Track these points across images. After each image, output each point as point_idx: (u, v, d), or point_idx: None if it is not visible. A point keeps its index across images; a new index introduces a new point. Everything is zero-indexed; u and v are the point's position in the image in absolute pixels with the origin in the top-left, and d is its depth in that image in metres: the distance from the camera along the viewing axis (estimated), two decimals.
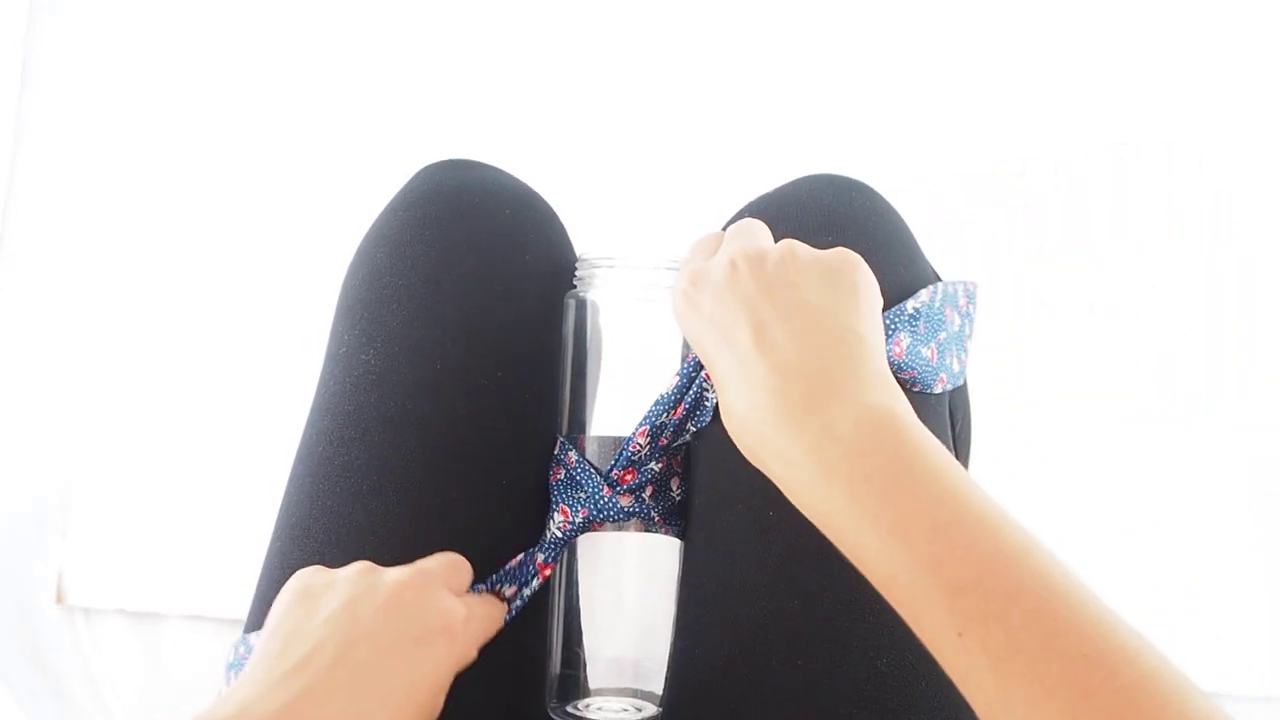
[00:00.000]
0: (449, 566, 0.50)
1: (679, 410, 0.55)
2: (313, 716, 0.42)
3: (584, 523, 0.54)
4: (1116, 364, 1.02)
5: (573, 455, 0.55)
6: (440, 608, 0.47)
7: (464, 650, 0.49)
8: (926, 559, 0.38)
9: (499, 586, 0.54)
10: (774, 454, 0.45)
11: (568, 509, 0.54)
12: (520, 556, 0.55)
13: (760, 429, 0.45)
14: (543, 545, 0.55)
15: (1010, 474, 0.99)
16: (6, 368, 1.12)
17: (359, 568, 0.48)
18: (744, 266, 0.49)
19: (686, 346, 0.60)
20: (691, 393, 0.54)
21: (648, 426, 0.54)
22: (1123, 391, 1.02)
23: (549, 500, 0.57)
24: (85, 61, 1.18)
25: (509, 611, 0.54)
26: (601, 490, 0.55)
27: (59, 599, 1.05)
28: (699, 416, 0.55)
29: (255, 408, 1.06)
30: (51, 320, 1.12)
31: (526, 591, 0.54)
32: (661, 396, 0.54)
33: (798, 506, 0.45)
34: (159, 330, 1.10)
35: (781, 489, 0.45)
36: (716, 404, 0.54)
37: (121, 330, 1.11)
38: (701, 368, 0.54)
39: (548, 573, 0.55)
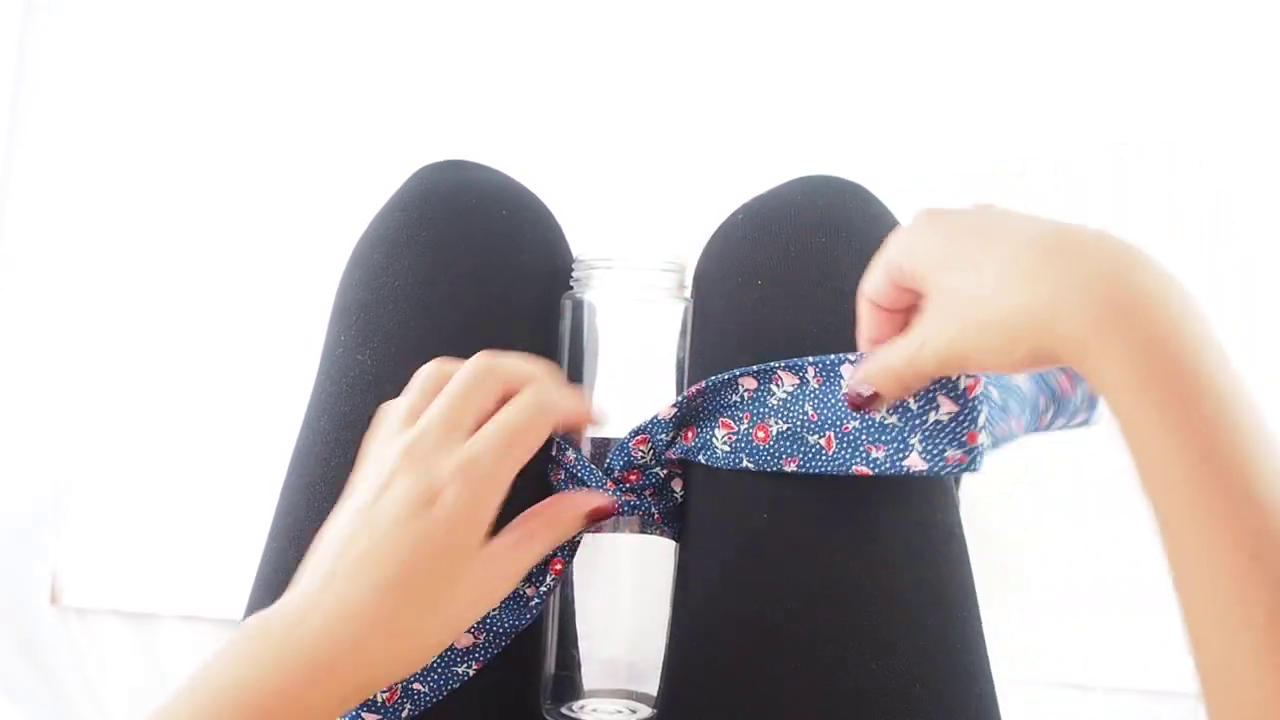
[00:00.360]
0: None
1: (689, 437, 0.54)
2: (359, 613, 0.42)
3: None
4: None
5: (570, 454, 0.55)
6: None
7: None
8: (1239, 472, 0.35)
9: (518, 585, 0.54)
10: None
11: None
12: None
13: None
14: None
15: (1014, 475, 1.00)
16: (3, 369, 1.12)
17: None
18: None
19: (680, 369, 0.60)
20: (703, 430, 0.54)
21: (647, 437, 0.54)
22: None
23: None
24: (82, 60, 1.18)
25: (529, 611, 0.54)
26: (605, 486, 0.54)
27: (54, 599, 1.05)
28: (709, 453, 0.55)
29: (251, 408, 1.06)
30: (48, 320, 1.12)
31: (543, 589, 0.54)
32: (657, 419, 0.54)
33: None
34: (155, 330, 1.10)
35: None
36: (736, 441, 0.53)
37: (118, 330, 1.11)
38: (695, 402, 0.54)
39: (559, 567, 0.54)
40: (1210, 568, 0.35)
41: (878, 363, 0.46)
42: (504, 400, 0.47)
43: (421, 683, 0.52)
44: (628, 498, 0.55)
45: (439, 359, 0.49)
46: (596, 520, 0.51)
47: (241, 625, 0.42)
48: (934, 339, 0.43)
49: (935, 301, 0.43)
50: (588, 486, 0.55)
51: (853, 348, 0.53)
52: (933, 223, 0.45)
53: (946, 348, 0.42)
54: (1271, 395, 1.00)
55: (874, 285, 0.47)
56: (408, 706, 0.51)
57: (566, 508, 0.49)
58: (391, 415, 0.47)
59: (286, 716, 0.40)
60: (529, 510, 0.48)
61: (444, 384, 0.47)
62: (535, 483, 0.57)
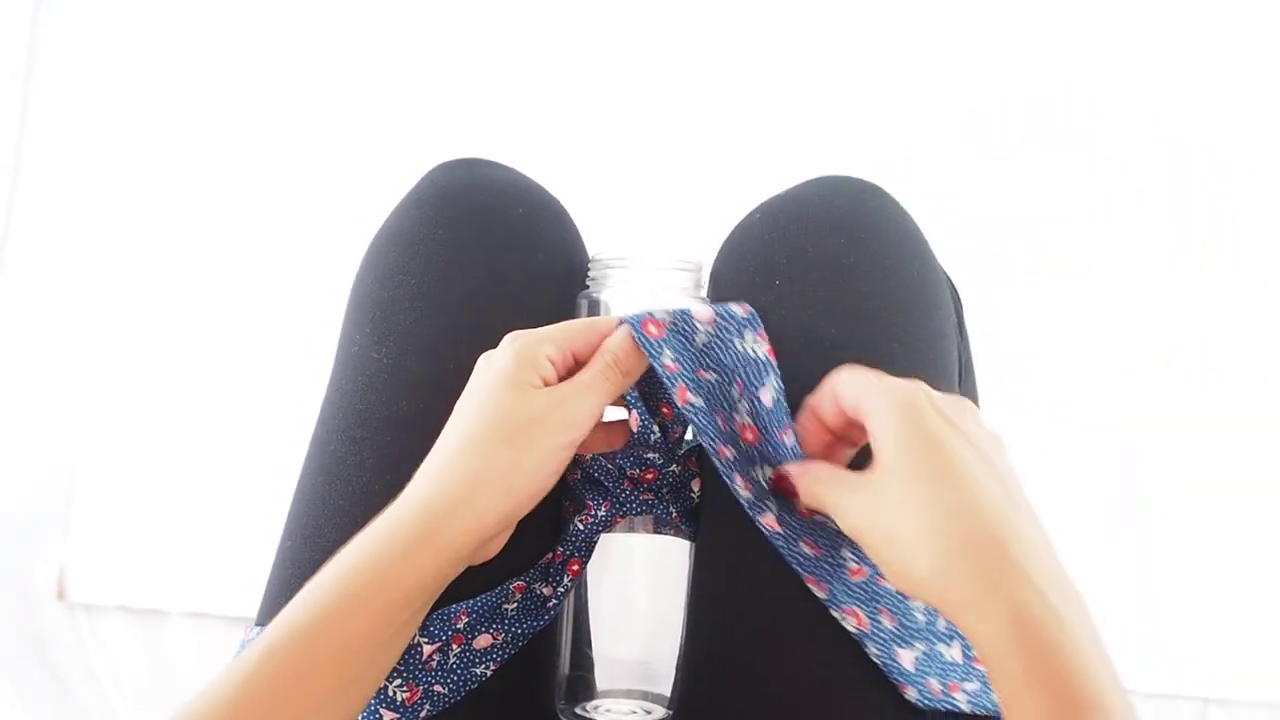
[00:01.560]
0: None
1: (674, 435, 0.54)
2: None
3: (606, 516, 0.54)
4: (1125, 366, 1.02)
5: (586, 454, 0.55)
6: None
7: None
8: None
9: (536, 586, 0.54)
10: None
11: (592, 504, 0.54)
12: (549, 555, 0.55)
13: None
14: (564, 541, 0.55)
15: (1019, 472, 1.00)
16: (10, 364, 1.12)
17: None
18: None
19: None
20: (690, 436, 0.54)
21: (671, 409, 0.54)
22: (1133, 395, 1.02)
23: (560, 500, 0.57)
24: (96, 54, 1.18)
25: (547, 612, 0.54)
26: (622, 486, 0.54)
27: (61, 595, 1.05)
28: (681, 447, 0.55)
29: (259, 405, 1.06)
30: (56, 317, 1.12)
31: (560, 590, 0.54)
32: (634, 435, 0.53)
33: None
34: (164, 327, 1.10)
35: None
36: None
37: (126, 327, 1.11)
38: (656, 416, 0.54)
39: (576, 568, 0.54)
40: None
41: (806, 486, 0.49)
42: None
43: (441, 684, 0.52)
44: (645, 497, 0.55)
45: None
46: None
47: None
48: (853, 514, 0.46)
49: (874, 480, 0.45)
50: (604, 485, 0.55)
51: (866, 348, 0.54)
52: (909, 407, 0.45)
53: (857, 530, 0.46)
54: (1274, 396, 1.00)
55: (828, 390, 0.49)
56: (426, 707, 0.51)
57: (614, 341, 0.51)
58: None
59: (415, 575, 0.45)
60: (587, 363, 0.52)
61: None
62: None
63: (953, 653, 0.50)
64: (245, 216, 1.12)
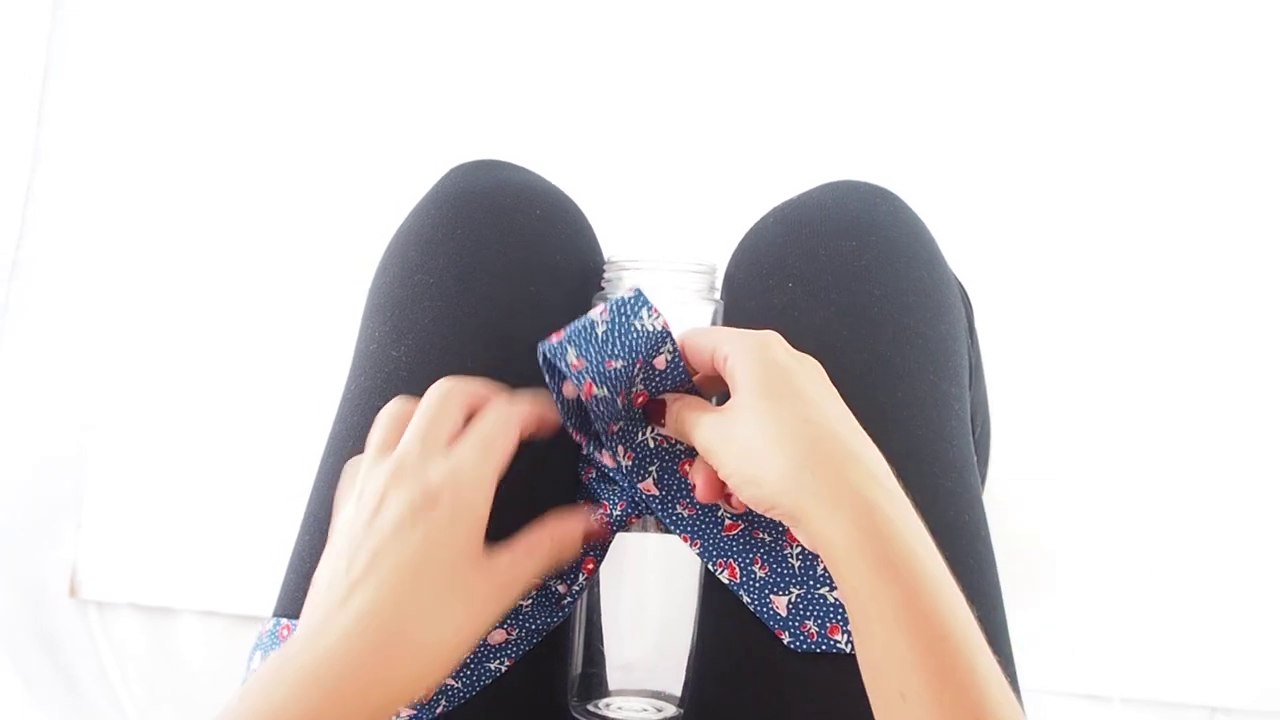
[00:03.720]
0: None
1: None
2: (379, 627, 0.43)
3: (622, 516, 0.54)
4: (1137, 371, 1.03)
5: (605, 453, 0.55)
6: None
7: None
8: (911, 635, 0.41)
9: (550, 583, 0.55)
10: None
11: (607, 503, 0.55)
12: None
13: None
14: None
15: (1028, 478, 1.00)
16: (22, 360, 1.12)
17: (406, 460, 0.47)
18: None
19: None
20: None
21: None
22: (1146, 399, 1.02)
23: (574, 500, 0.57)
24: (117, 54, 1.18)
25: (561, 609, 0.55)
26: (637, 486, 0.55)
27: (72, 592, 1.05)
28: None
29: (274, 403, 1.07)
30: (69, 313, 1.13)
31: (575, 588, 0.54)
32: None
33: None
34: (178, 325, 1.10)
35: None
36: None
37: (140, 324, 1.11)
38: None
39: (591, 567, 0.55)
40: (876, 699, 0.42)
41: (673, 411, 0.52)
42: (470, 418, 0.50)
43: (456, 679, 0.52)
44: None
45: (397, 398, 0.52)
46: (590, 541, 0.53)
47: (261, 663, 0.44)
48: (710, 431, 0.48)
49: (730, 404, 0.48)
50: (619, 485, 0.55)
51: (878, 350, 0.55)
52: (761, 344, 0.48)
53: (711, 445, 0.47)
54: (1272, 396, 1.00)
55: (693, 344, 0.51)
56: (442, 703, 0.52)
57: (567, 529, 0.52)
58: (366, 454, 0.49)
59: None
60: (530, 526, 0.50)
61: (407, 419, 0.49)
62: (567, 480, 0.58)
63: (833, 595, 0.52)
64: (263, 214, 1.13)
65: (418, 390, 0.55)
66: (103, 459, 1.08)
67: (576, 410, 0.54)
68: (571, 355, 0.50)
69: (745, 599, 0.52)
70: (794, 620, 0.52)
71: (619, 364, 0.50)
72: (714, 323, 0.61)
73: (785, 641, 0.51)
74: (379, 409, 0.56)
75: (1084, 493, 1.00)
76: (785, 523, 0.45)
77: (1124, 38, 1.10)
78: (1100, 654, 0.97)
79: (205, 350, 1.09)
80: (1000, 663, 0.53)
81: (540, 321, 0.58)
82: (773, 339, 0.49)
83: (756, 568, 0.53)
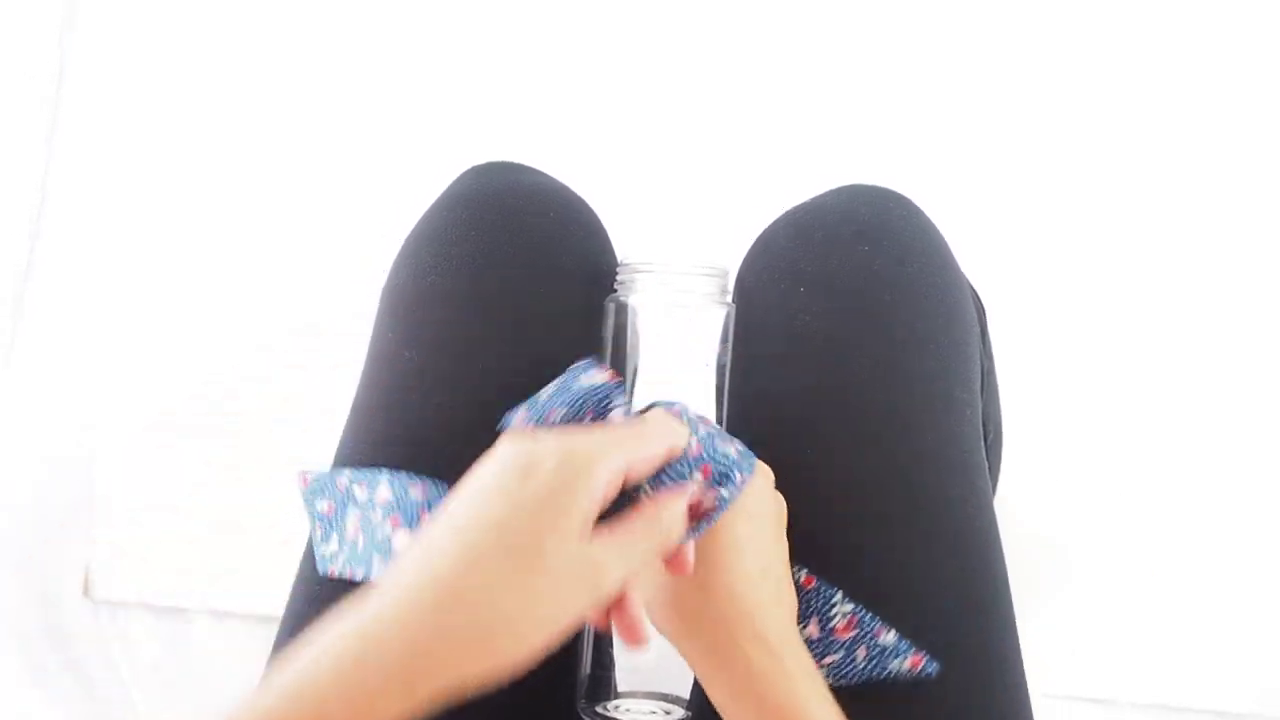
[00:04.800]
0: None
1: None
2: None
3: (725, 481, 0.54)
4: (1150, 376, 1.02)
5: None
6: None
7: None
8: None
9: None
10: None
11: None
12: None
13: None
14: None
15: (1038, 483, 1.00)
16: (36, 361, 1.13)
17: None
18: None
19: (721, 374, 0.60)
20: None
21: None
22: (1157, 402, 1.01)
23: None
24: (136, 50, 1.19)
25: None
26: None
27: (85, 592, 1.06)
28: None
29: (287, 403, 1.07)
30: (82, 314, 1.13)
31: None
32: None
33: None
34: (191, 325, 1.11)
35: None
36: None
37: (153, 325, 1.11)
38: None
39: None
40: None
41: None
42: None
43: None
44: None
45: None
46: (696, 518, 0.47)
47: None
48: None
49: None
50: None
51: (889, 355, 0.55)
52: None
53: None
54: (1272, 396, 1.00)
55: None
56: None
57: (668, 504, 0.45)
58: None
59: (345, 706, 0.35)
60: (629, 513, 0.45)
61: None
62: None
63: (809, 630, 0.52)
64: (276, 214, 1.13)
65: (429, 390, 0.55)
66: (116, 459, 1.08)
67: None
68: (520, 414, 0.49)
69: None
70: None
71: (561, 412, 0.48)
72: (725, 326, 0.61)
73: None
74: (391, 408, 0.56)
75: (1094, 498, 0.99)
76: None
77: (1137, 43, 1.10)
78: (1109, 658, 0.96)
79: (219, 350, 1.10)
80: (1010, 668, 0.53)
81: (553, 323, 0.59)
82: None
83: None
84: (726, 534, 0.47)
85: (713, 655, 0.46)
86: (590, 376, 0.49)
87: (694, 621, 0.46)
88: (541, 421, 0.48)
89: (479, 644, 0.37)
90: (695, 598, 0.46)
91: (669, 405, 0.49)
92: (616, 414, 0.49)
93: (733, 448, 0.49)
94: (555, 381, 0.50)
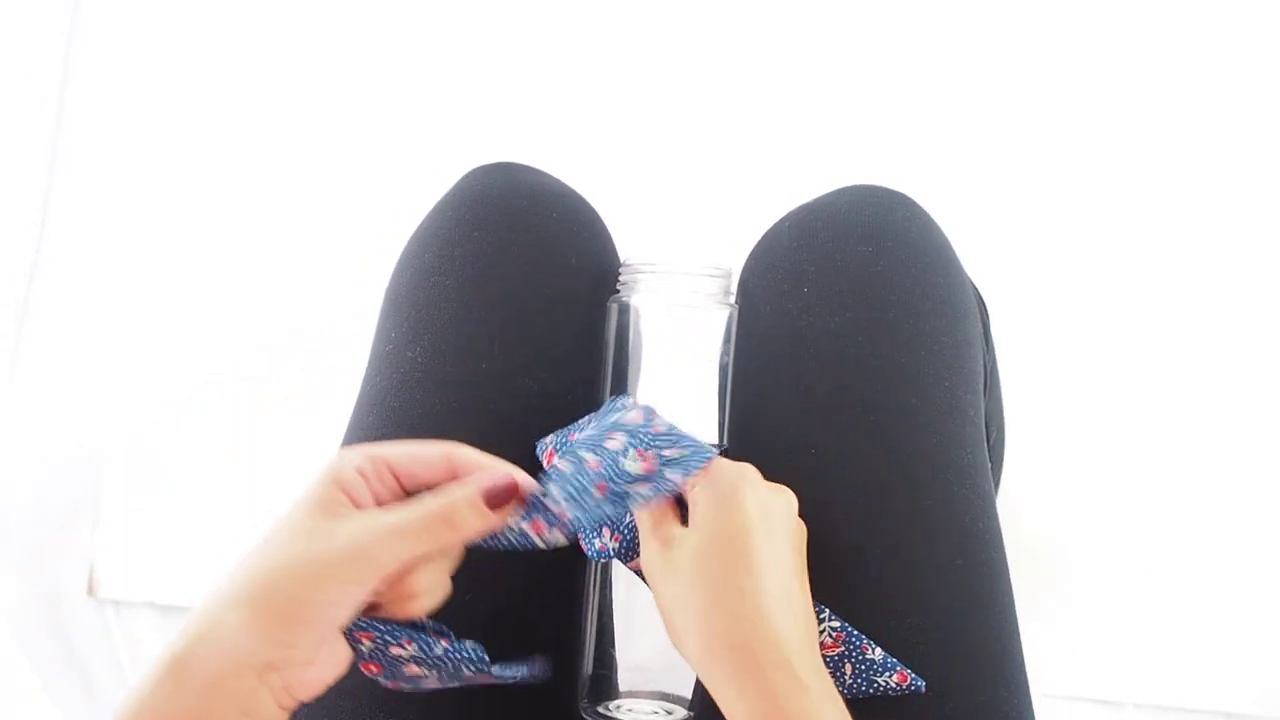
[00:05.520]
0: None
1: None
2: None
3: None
4: (1148, 376, 1.02)
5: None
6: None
7: None
8: None
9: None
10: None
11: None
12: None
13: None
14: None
15: (1041, 484, 1.00)
16: (42, 362, 1.13)
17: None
18: None
19: (724, 374, 0.60)
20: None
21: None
22: (1160, 403, 1.01)
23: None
24: (140, 55, 1.19)
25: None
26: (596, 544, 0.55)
27: (90, 591, 1.06)
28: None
29: (292, 403, 1.07)
30: (88, 315, 1.13)
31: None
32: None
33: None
34: (196, 326, 1.11)
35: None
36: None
37: (155, 326, 1.12)
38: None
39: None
40: None
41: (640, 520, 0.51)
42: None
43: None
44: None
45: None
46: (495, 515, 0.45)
47: None
48: (656, 577, 0.49)
49: (677, 554, 0.48)
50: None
51: (892, 356, 0.55)
52: (733, 496, 0.48)
53: (648, 569, 0.49)
54: (1272, 396, 1.00)
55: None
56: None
57: (451, 492, 0.44)
58: None
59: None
60: (409, 500, 0.45)
61: None
62: None
63: None
64: (281, 216, 1.13)
65: (432, 390, 0.55)
66: (120, 458, 1.08)
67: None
68: (549, 439, 0.52)
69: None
70: None
71: (589, 432, 0.49)
72: (728, 326, 0.61)
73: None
74: (394, 408, 0.56)
75: (1097, 498, 0.99)
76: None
77: (1137, 44, 1.10)
78: (1109, 658, 0.96)
79: (223, 350, 1.10)
80: (1011, 667, 0.53)
81: (556, 324, 0.59)
82: (747, 483, 0.48)
83: None
84: (751, 557, 0.46)
85: (736, 680, 0.45)
86: (623, 405, 0.50)
87: (719, 646, 0.46)
88: (564, 443, 0.50)
89: (283, 624, 0.42)
90: (720, 621, 0.46)
91: (631, 402, 0.50)
92: (658, 425, 0.49)
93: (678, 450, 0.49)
94: (592, 416, 0.51)
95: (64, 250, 1.15)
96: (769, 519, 0.48)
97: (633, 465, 0.47)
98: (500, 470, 0.45)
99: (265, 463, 1.06)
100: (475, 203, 0.60)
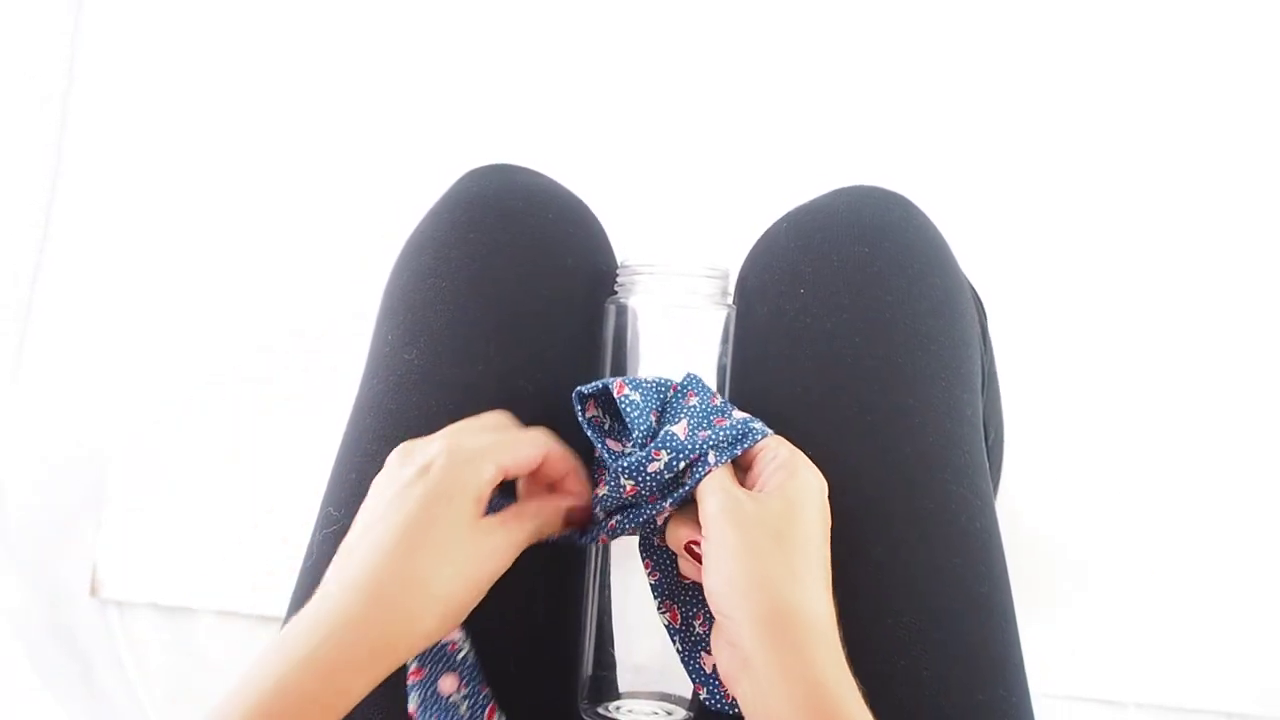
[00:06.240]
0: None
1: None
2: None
3: (606, 497, 0.53)
4: (1146, 375, 1.02)
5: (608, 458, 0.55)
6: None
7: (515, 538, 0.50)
8: None
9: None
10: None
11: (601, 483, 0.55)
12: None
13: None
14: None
15: (1040, 484, 0.99)
16: (45, 362, 1.13)
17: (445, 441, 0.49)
18: None
19: (722, 375, 0.60)
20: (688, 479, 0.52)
21: (633, 484, 0.52)
22: (1158, 403, 1.01)
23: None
24: (143, 58, 1.20)
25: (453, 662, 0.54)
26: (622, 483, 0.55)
27: (93, 591, 1.06)
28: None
29: (291, 405, 1.08)
30: (90, 315, 1.14)
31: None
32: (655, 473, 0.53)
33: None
34: (197, 327, 1.11)
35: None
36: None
37: (157, 327, 1.12)
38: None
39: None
40: None
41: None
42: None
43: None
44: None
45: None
46: (574, 522, 0.54)
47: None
48: (713, 508, 0.49)
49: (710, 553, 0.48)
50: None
51: (890, 355, 0.55)
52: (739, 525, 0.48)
53: (708, 526, 0.49)
54: (1272, 397, 1.00)
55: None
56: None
57: (549, 502, 0.53)
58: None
59: (325, 686, 0.43)
60: (522, 499, 0.53)
61: None
62: None
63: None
64: (277, 218, 1.14)
65: (429, 392, 0.55)
66: (123, 460, 1.09)
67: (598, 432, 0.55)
68: (586, 389, 0.54)
69: (677, 647, 0.53)
70: (716, 681, 0.52)
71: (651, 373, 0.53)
72: (726, 327, 0.61)
73: (702, 697, 0.53)
74: (392, 410, 0.56)
75: (1097, 498, 0.99)
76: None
77: (1136, 45, 1.10)
78: (1109, 658, 0.96)
79: (224, 351, 1.10)
80: (1011, 667, 0.54)
81: (553, 325, 0.59)
82: (804, 459, 0.51)
83: (697, 623, 0.53)
84: (813, 526, 0.48)
85: (771, 630, 0.45)
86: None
87: (765, 599, 0.46)
88: (629, 379, 0.53)
89: (412, 612, 0.45)
90: (776, 573, 0.47)
91: (691, 380, 0.54)
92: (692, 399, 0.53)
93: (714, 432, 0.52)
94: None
95: (67, 251, 1.16)
96: (823, 493, 0.50)
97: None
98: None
99: (266, 463, 1.06)
100: (471, 204, 0.60)
